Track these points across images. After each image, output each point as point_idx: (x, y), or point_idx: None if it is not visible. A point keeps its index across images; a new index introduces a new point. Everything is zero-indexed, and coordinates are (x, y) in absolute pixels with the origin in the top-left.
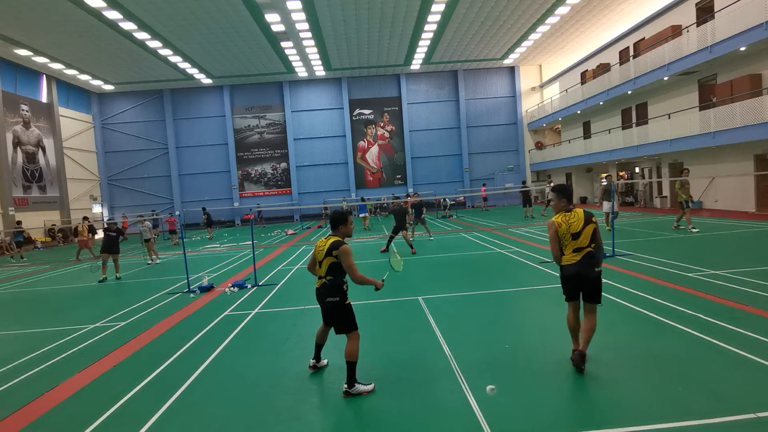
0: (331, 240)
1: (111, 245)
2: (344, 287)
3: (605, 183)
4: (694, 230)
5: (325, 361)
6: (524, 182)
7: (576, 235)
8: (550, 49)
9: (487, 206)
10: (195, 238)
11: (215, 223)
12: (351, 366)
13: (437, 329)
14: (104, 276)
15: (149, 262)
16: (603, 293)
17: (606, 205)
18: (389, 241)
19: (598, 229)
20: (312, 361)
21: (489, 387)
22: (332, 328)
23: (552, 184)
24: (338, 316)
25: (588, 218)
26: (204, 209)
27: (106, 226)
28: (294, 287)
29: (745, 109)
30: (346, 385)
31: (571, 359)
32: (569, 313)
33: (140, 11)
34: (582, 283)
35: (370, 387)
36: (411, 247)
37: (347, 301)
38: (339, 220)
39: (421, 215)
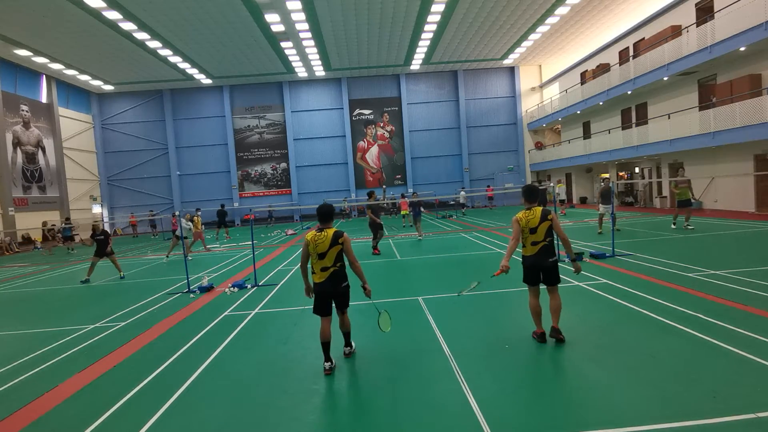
0: (332, 230)
1: (101, 248)
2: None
3: (603, 185)
4: (689, 227)
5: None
6: (543, 181)
7: (533, 230)
8: (550, 50)
9: (493, 205)
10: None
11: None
12: (349, 333)
13: (437, 329)
14: (87, 278)
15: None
16: (602, 293)
17: (602, 208)
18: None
19: (556, 225)
20: (327, 364)
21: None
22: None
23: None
24: (347, 296)
25: (544, 216)
26: (223, 206)
27: (92, 230)
28: (294, 287)
29: (744, 109)
30: (348, 348)
31: (533, 337)
32: (532, 300)
33: (140, 11)
34: (539, 271)
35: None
36: (376, 248)
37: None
38: (333, 213)
39: (419, 215)
